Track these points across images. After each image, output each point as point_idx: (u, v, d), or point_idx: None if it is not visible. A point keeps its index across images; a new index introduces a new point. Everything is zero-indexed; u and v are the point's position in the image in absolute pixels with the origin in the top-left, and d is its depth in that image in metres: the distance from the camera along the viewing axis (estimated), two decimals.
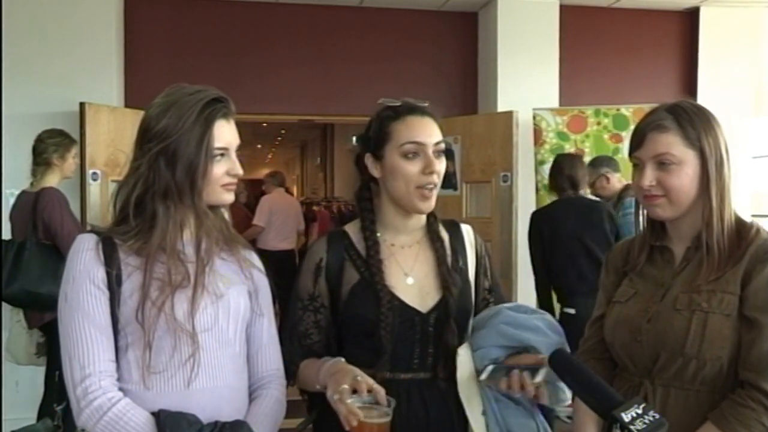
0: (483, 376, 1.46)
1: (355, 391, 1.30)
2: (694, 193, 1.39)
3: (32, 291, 3.21)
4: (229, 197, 1.40)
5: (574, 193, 3.71)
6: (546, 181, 4.73)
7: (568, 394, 1.47)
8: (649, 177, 1.39)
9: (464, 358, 1.53)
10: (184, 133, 1.30)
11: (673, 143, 1.38)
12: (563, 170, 3.73)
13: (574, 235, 3.60)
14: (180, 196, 1.32)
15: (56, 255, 3.23)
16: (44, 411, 2.93)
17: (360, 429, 1.25)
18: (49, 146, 3.45)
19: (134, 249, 1.31)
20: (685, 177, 1.38)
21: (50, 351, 3.32)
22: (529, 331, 1.50)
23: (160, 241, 1.31)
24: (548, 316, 1.59)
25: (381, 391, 1.31)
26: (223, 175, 1.36)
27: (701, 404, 1.34)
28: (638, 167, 1.43)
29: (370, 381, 1.33)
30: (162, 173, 1.31)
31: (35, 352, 3.41)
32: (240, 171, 1.38)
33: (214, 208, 1.41)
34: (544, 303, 3.78)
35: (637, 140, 1.42)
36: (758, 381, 1.29)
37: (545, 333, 1.51)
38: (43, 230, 3.29)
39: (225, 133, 1.35)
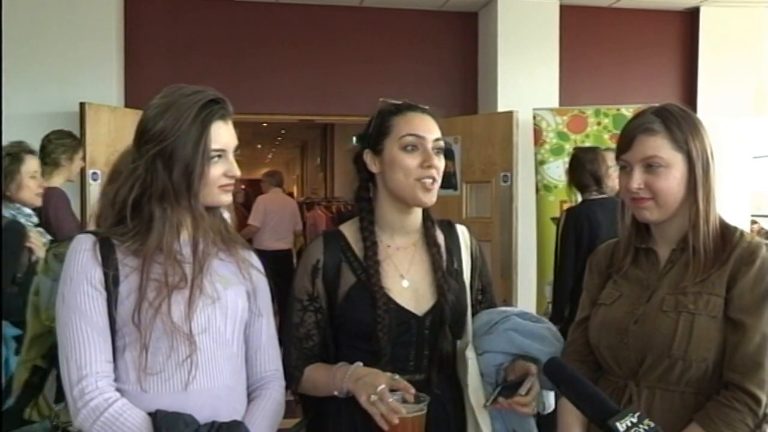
0: (489, 403, 1.50)
1: (391, 391, 1.36)
2: (681, 195, 1.40)
3: None
4: (227, 198, 1.40)
5: (598, 191, 3.49)
6: (546, 181, 4.73)
7: (552, 400, 1.50)
8: (638, 179, 1.40)
9: (473, 360, 1.56)
10: (181, 135, 1.30)
11: (661, 146, 1.39)
12: (585, 165, 3.52)
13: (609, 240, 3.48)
14: (177, 198, 1.32)
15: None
16: None
17: (402, 425, 1.32)
18: (58, 147, 3.48)
19: (132, 250, 1.31)
20: (673, 180, 1.39)
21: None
22: (537, 340, 1.54)
23: (156, 242, 1.31)
24: (551, 325, 1.61)
25: (412, 389, 1.37)
26: (220, 177, 1.36)
27: (686, 406, 1.35)
28: (625, 170, 1.43)
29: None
30: (159, 175, 1.31)
31: None
32: (237, 172, 1.38)
33: (212, 209, 1.40)
34: (561, 302, 3.52)
35: (625, 143, 1.43)
36: (743, 382, 1.30)
37: (551, 342, 1.54)
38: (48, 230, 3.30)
39: (222, 135, 1.35)
